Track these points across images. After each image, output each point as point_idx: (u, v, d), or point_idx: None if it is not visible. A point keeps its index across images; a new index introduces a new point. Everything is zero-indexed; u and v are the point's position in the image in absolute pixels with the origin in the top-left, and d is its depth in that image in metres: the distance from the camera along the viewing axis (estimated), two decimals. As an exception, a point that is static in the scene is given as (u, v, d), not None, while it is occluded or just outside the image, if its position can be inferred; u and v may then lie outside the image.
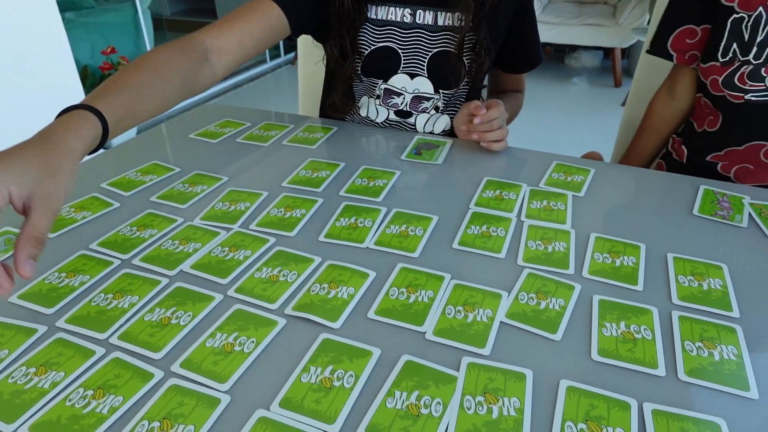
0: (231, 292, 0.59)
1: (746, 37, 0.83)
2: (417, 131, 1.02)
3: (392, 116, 1.02)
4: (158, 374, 0.49)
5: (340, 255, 0.65)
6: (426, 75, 0.96)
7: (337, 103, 1.02)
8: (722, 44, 0.86)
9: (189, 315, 0.56)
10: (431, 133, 1.02)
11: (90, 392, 0.47)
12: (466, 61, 0.95)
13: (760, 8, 0.81)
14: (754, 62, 0.83)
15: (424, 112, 1.01)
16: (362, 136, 1.00)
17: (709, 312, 0.57)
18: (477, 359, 0.51)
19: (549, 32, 3.89)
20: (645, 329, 0.55)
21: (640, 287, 0.61)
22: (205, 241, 0.68)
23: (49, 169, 0.48)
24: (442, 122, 1.01)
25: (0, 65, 2.16)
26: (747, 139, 0.89)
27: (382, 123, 1.03)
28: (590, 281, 0.62)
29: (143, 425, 0.44)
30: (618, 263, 0.64)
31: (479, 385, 0.48)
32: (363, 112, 1.04)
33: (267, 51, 4.20)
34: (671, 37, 0.94)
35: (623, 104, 2.83)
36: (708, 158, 0.95)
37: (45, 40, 2.34)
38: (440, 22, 0.93)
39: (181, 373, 0.49)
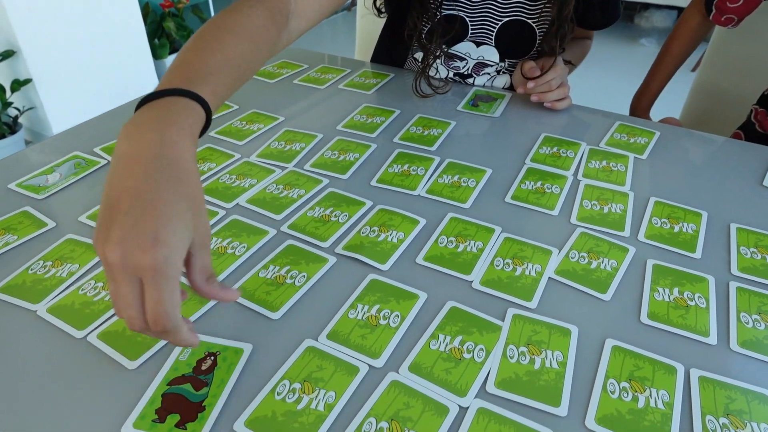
0: (284, 228, 0.61)
1: None
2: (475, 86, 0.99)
3: (451, 76, 0.98)
4: (213, 300, 0.52)
5: (391, 200, 0.66)
6: (493, 44, 0.92)
7: (426, 81, 0.90)
8: None
9: (244, 246, 0.58)
10: (491, 88, 0.99)
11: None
12: (537, 30, 0.90)
13: None
14: None
15: (486, 74, 0.97)
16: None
17: (770, 286, 0.55)
18: (523, 311, 0.51)
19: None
20: (699, 297, 0.53)
21: (698, 255, 0.59)
22: (261, 177, 0.69)
23: (196, 211, 0.39)
24: (502, 80, 0.98)
25: (68, 3, 2.21)
26: None
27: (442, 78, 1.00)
28: (646, 245, 0.60)
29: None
30: (677, 229, 0.62)
31: (523, 336, 0.49)
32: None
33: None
34: None
35: (693, 69, 2.66)
36: None
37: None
38: None
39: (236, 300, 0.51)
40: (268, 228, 0.61)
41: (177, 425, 0.41)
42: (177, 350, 0.46)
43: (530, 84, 0.83)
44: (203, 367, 0.45)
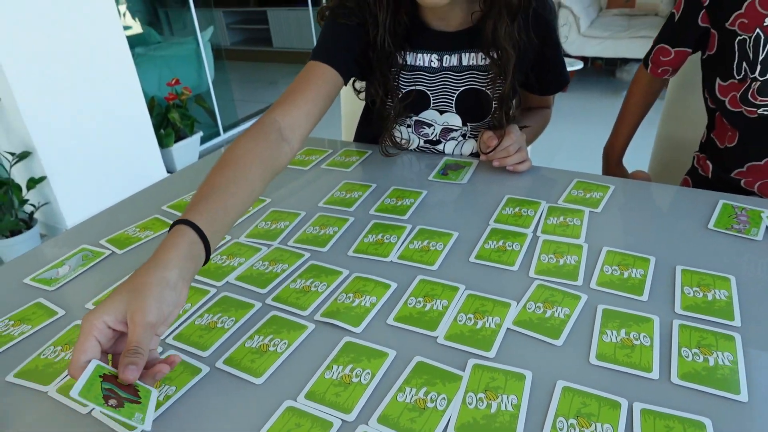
0: (269, 301, 0.67)
1: (751, 56, 0.87)
2: (446, 155, 1.08)
3: (422, 144, 1.08)
4: (205, 369, 0.58)
5: (366, 268, 0.73)
6: (454, 111, 1.02)
7: (390, 141, 1.04)
8: (734, 63, 0.89)
9: (232, 320, 0.64)
10: (460, 155, 1.08)
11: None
12: (492, 96, 1.00)
13: (757, 29, 0.86)
14: (761, 79, 0.87)
15: (453, 139, 1.07)
16: (394, 159, 1.07)
17: (710, 321, 0.60)
18: (482, 361, 0.57)
19: (598, 46, 3.86)
20: (644, 336, 0.58)
21: (645, 297, 0.64)
22: (249, 255, 0.77)
23: (134, 289, 0.52)
24: (469, 146, 1.07)
25: (77, 98, 2.40)
26: (766, 154, 0.91)
27: (413, 150, 1.10)
28: (597, 292, 0.66)
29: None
30: (626, 275, 0.68)
31: (482, 383, 0.54)
32: (397, 136, 1.11)
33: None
34: (653, 51, 1.06)
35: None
36: (732, 174, 0.96)
37: (117, 73, 2.58)
38: (465, 62, 0.98)
39: (223, 369, 0.57)
40: (254, 301, 0.67)
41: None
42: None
43: (490, 152, 0.92)
44: None
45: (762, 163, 0.92)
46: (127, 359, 0.49)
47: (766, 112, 0.88)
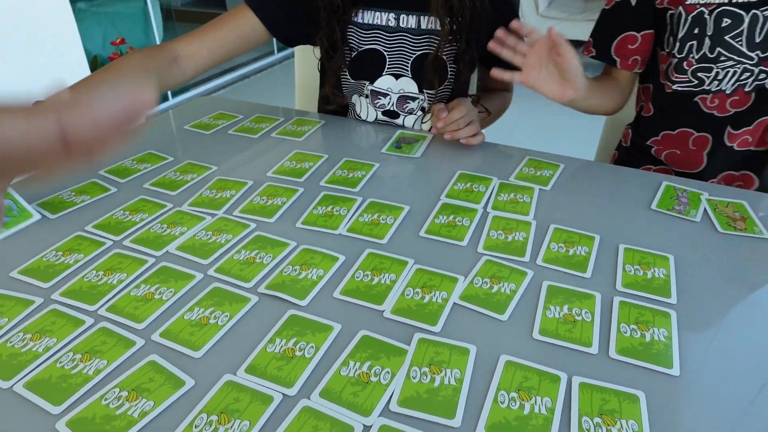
0: (211, 272, 0.65)
1: (674, 32, 0.90)
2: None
3: (381, 116, 1.07)
4: (140, 342, 0.55)
5: (314, 240, 0.71)
6: (410, 76, 1.01)
7: (329, 94, 1.07)
8: (666, 35, 0.93)
9: (171, 291, 0.62)
10: (419, 131, 1.07)
11: (78, 356, 0.53)
12: (449, 65, 1.00)
13: (680, 7, 0.88)
14: (678, 56, 0.90)
15: (411, 113, 1.05)
16: (348, 130, 1.05)
17: (648, 298, 0.62)
18: (428, 335, 0.56)
19: (555, 27, 3.89)
20: (586, 312, 0.60)
21: (588, 274, 0.65)
22: (191, 225, 0.73)
23: None
24: (429, 124, 1.06)
25: (11, 54, 2.23)
26: (678, 125, 0.97)
27: (372, 123, 1.08)
28: (543, 268, 0.67)
29: (114, 392, 0.49)
30: (571, 252, 0.69)
31: (426, 357, 0.54)
32: (357, 110, 1.09)
33: (274, 43, 4.24)
34: (614, 44, 0.98)
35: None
36: (648, 142, 1.01)
37: (55, 29, 2.41)
38: (423, 26, 0.97)
39: (159, 341, 0.55)
40: (195, 273, 0.65)
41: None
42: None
43: (440, 123, 0.91)
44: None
45: (675, 132, 0.97)
46: None
47: (680, 89, 0.93)
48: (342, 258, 0.67)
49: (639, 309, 0.60)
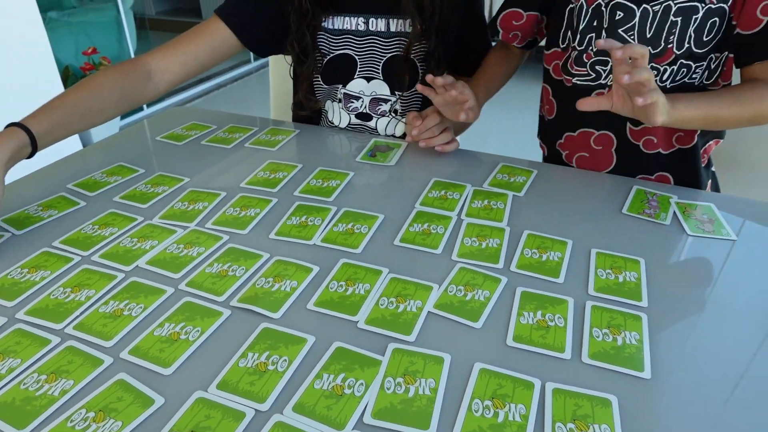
0: (182, 286, 0.64)
1: (574, 24, 0.89)
2: (378, 134, 1.07)
3: (354, 120, 1.07)
4: (108, 360, 0.54)
5: (288, 251, 0.70)
6: (381, 78, 1.02)
7: (303, 100, 1.07)
8: (561, 31, 0.92)
9: (141, 307, 0.60)
10: (392, 136, 1.07)
11: (43, 377, 0.52)
12: (419, 65, 1.01)
13: None
14: (578, 48, 0.90)
15: (384, 115, 1.06)
16: (323, 139, 1.05)
17: (620, 302, 0.63)
18: (402, 345, 0.56)
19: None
20: (559, 317, 0.60)
21: (561, 280, 0.66)
22: (162, 238, 0.72)
23: None
24: (402, 126, 1.06)
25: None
26: (579, 126, 0.96)
27: (345, 127, 1.08)
28: (516, 274, 0.67)
29: (81, 413, 0.48)
30: (545, 258, 0.70)
31: (401, 368, 0.53)
32: (330, 116, 1.09)
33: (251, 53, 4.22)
34: (501, 16, 1.01)
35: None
36: (556, 146, 1.01)
37: (25, 38, 2.36)
38: (392, 28, 0.99)
39: (128, 359, 0.54)
40: (166, 287, 0.63)
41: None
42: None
43: (414, 131, 0.91)
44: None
45: (576, 134, 0.97)
46: None
47: (579, 82, 0.92)
48: (316, 269, 0.67)
49: (611, 313, 0.61)
